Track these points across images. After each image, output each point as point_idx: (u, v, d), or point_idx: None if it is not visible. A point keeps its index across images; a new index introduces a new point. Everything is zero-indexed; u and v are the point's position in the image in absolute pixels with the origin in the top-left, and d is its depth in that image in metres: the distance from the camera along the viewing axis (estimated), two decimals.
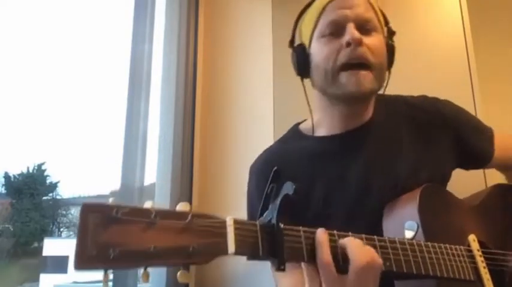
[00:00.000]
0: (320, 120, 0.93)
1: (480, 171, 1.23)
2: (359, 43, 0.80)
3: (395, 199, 0.84)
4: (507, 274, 0.85)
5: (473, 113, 1.34)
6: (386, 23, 0.91)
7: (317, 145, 0.92)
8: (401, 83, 1.10)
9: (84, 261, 0.45)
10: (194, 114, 1.55)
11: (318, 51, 0.85)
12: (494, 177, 1.15)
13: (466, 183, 1.01)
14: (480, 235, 0.85)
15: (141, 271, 0.51)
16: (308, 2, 0.90)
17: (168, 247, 0.48)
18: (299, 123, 1.00)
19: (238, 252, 0.53)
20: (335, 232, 0.63)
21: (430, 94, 1.05)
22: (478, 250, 0.82)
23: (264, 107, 1.48)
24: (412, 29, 1.46)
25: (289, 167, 0.84)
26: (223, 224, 0.53)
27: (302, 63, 0.89)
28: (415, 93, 1.05)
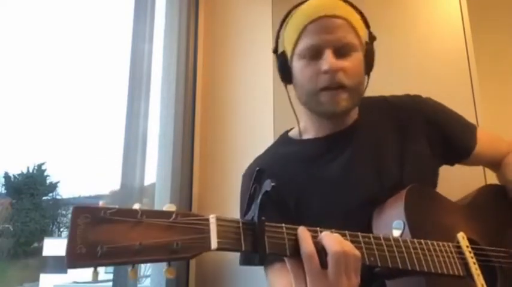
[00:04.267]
0: (306, 126, 0.99)
1: (480, 170, 1.23)
2: (335, 72, 0.86)
3: (379, 196, 0.86)
4: (498, 270, 0.85)
5: (473, 113, 1.35)
6: (367, 27, 0.95)
7: (303, 148, 0.97)
8: (401, 83, 1.10)
9: (74, 259, 0.48)
10: (194, 114, 1.55)
11: (299, 72, 0.91)
12: (495, 177, 1.15)
13: (466, 182, 1.01)
14: (470, 233, 0.85)
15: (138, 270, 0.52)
16: (289, 10, 0.94)
17: (153, 244, 0.51)
18: (288, 131, 1.05)
19: (220, 247, 0.56)
20: (318, 228, 0.65)
21: (430, 94, 1.05)
22: (468, 246, 0.82)
23: (264, 107, 1.48)
24: (412, 29, 1.46)
25: (278, 171, 0.91)
26: (206, 222, 0.56)
27: (285, 72, 0.96)
28: (415, 93, 1.05)
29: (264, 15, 1.56)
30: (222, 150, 1.53)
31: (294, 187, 0.91)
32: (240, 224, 0.59)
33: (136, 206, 0.53)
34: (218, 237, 0.56)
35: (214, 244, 0.55)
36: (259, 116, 1.49)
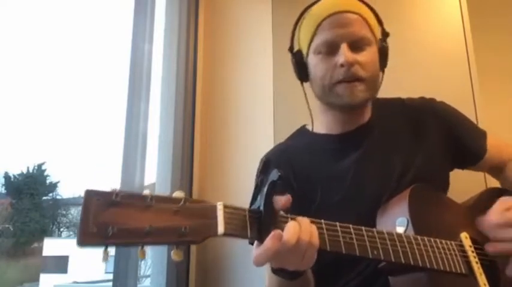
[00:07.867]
0: (322, 122, 1.01)
1: (481, 174, 1.22)
2: (351, 65, 0.88)
3: (386, 195, 0.87)
4: (500, 269, 0.85)
5: (473, 113, 1.35)
6: (380, 24, 0.97)
7: (318, 140, 0.99)
8: (401, 83, 1.10)
9: (85, 237, 0.50)
10: (194, 114, 1.55)
11: (315, 67, 0.93)
12: (495, 180, 1.15)
13: (466, 185, 1.01)
14: (473, 234, 0.86)
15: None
16: (302, 10, 0.97)
17: (162, 227, 0.54)
18: (305, 125, 1.06)
19: (227, 233, 0.58)
20: (322, 221, 0.67)
21: (430, 94, 1.05)
22: (471, 246, 0.83)
23: (264, 107, 1.48)
24: (412, 29, 1.46)
25: (293, 160, 0.94)
26: (213, 208, 0.59)
27: (301, 69, 0.97)
28: (415, 94, 1.05)
29: (264, 15, 1.56)
30: (221, 150, 1.53)
31: (305, 175, 0.92)
32: (247, 213, 0.61)
33: (146, 192, 0.55)
34: (225, 223, 0.58)
35: (221, 229, 0.57)
36: (259, 116, 1.49)
